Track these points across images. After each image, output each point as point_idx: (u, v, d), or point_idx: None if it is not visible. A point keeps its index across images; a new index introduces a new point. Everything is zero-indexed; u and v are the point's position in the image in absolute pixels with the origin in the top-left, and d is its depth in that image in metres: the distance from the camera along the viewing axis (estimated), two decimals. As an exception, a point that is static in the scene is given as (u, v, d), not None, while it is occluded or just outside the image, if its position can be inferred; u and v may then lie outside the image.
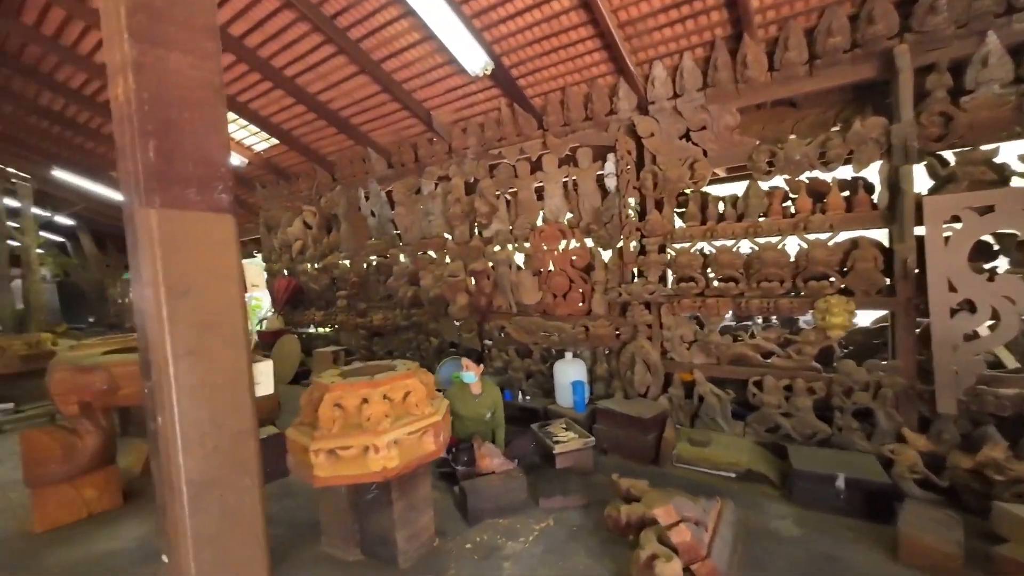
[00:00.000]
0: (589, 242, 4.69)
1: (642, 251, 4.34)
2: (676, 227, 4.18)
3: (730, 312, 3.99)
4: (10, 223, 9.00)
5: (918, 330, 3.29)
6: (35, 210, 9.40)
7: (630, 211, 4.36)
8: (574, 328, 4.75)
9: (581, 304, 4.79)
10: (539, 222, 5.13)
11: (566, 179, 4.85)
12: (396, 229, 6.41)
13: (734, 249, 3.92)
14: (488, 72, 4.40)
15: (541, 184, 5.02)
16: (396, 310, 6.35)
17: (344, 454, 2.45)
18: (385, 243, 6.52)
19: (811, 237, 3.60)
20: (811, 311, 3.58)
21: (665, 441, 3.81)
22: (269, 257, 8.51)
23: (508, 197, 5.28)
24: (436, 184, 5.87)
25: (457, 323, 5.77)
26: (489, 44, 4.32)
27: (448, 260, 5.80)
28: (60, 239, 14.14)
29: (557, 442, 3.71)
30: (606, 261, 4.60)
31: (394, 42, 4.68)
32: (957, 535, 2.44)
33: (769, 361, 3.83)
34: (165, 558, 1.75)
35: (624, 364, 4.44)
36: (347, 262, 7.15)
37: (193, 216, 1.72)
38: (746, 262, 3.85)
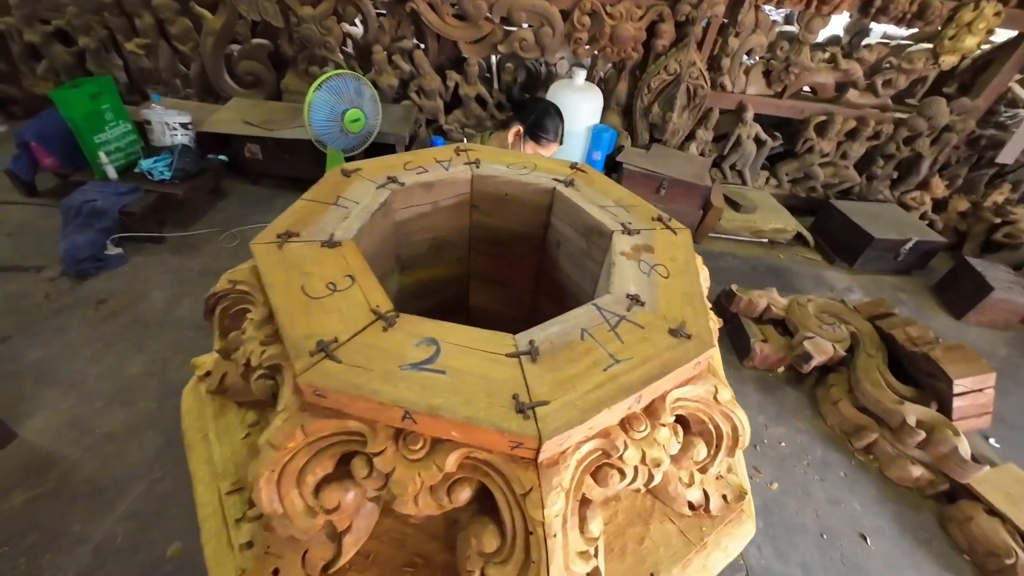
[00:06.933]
0: None
1: None
2: None
3: (845, 13, 2.57)
4: None
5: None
6: None
7: None
8: (572, 16, 2.52)
9: (592, -37, 2.43)
10: None
11: None
12: None
13: None
14: None
15: None
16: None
17: None
18: None
19: None
20: (939, 27, 2.55)
21: (713, 211, 2.81)
22: None
23: None
24: None
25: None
26: None
27: None
28: None
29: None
30: None
31: None
32: None
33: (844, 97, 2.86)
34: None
35: (651, 92, 2.76)
36: None
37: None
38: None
